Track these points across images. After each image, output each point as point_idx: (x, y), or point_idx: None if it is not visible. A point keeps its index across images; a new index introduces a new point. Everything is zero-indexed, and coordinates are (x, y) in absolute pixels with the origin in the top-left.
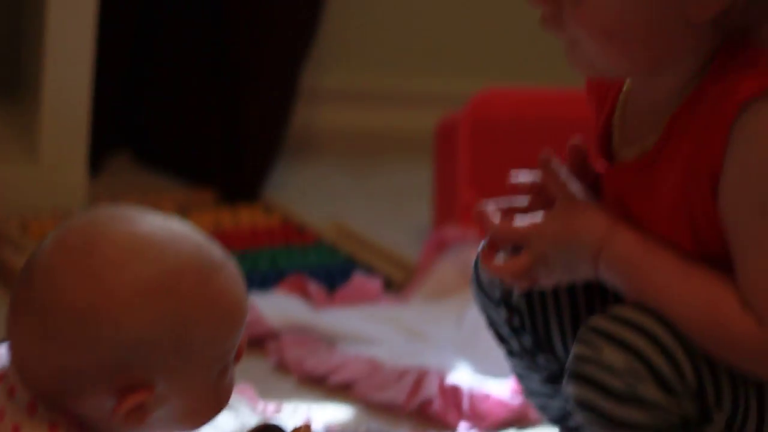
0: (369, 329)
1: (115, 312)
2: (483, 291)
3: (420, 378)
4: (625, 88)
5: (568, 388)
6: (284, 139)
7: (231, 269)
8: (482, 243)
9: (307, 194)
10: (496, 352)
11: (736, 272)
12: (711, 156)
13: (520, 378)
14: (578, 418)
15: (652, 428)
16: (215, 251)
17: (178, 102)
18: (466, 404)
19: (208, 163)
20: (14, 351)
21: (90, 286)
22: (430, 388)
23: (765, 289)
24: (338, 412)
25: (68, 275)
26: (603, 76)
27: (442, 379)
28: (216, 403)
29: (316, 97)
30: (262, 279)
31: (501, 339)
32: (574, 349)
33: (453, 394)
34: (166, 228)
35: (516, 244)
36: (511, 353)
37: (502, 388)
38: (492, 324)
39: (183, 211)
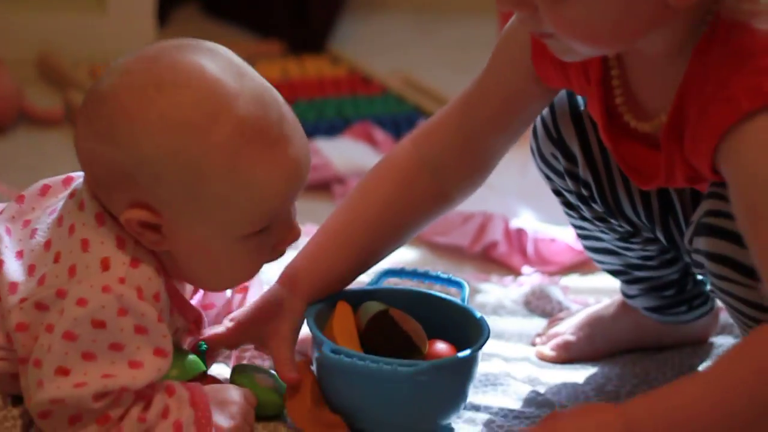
0: None
1: (140, 129)
2: (546, 162)
3: (485, 222)
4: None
5: (699, 243)
6: None
7: (289, 150)
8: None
9: (373, 45)
10: None
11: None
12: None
13: (588, 237)
14: (706, 272)
15: None
16: (279, 127)
17: None
18: (530, 248)
19: (276, 15)
20: (80, 154)
21: (137, 99)
22: (495, 232)
23: None
24: (403, 254)
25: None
26: (585, 59)
27: (507, 223)
28: (229, 271)
29: None
30: (328, 126)
31: (570, 206)
32: (706, 204)
33: (518, 237)
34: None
35: None
36: (583, 218)
37: (566, 234)
38: (558, 193)
39: (251, 61)
